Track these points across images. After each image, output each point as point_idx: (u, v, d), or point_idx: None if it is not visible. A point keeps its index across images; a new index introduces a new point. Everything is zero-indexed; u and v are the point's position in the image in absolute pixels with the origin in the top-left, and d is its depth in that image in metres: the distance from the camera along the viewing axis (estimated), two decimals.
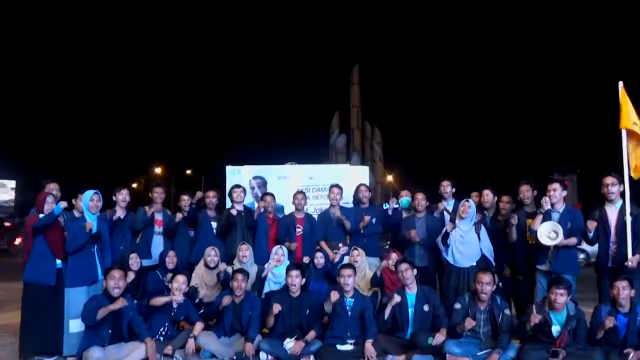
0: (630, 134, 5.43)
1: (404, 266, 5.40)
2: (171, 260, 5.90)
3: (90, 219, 5.48)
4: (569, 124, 42.99)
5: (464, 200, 5.90)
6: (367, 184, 7.08)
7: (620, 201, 5.31)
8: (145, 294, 5.67)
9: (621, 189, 5.28)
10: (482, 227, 5.88)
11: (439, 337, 4.99)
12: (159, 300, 5.30)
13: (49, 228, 5.26)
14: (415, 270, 5.42)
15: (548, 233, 5.34)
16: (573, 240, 5.42)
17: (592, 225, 5.32)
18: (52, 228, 5.29)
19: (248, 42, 67.23)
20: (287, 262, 6.00)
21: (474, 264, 5.70)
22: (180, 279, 5.43)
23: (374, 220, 6.55)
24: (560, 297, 4.77)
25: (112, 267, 5.11)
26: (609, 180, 5.33)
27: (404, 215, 6.65)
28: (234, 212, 6.28)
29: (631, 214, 5.17)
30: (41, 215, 5.28)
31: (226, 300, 5.31)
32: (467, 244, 5.75)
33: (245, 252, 6.04)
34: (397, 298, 5.28)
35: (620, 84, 5.53)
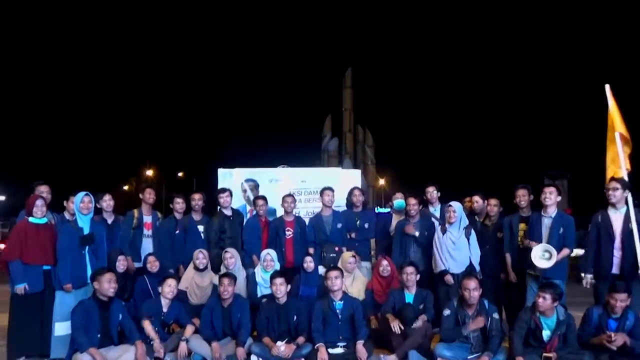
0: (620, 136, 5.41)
1: (409, 269, 5.56)
2: (152, 264, 5.84)
3: (82, 221, 5.47)
4: (560, 129, 43.38)
5: (447, 206, 5.90)
6: (360, 188, 7.08)
7: (625, 207, 5.23)
8: (132, 296, 5.64)
9: (625, 194, 5.22)
10: (472, 232, 5.88)
11: (420, 321, 5.28)
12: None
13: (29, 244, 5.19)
14: (418, 276, 5.59)
15: (541, 255, 5.36)
16: (566, 252, 5.45)
17: None
18: (36, 241, 5.22)
19: (241, 46, 67.41)
20: (278, 265, 6.01)
21: (464, 269, 5.72)
22: (172, 283, 5.38)
23: (366, 225, 6.55)
24: (543, 300, 4.77)
25: (102, 270, 4.98)
26: (613, 184, 5.24)
27: (395, 217, 6.62)
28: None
29: (637, 221, 5.09)
30: None
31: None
32: (458, 249, 5.76)
33: (229, 260, 5.93)
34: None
35: (607, 86, 5.53)
